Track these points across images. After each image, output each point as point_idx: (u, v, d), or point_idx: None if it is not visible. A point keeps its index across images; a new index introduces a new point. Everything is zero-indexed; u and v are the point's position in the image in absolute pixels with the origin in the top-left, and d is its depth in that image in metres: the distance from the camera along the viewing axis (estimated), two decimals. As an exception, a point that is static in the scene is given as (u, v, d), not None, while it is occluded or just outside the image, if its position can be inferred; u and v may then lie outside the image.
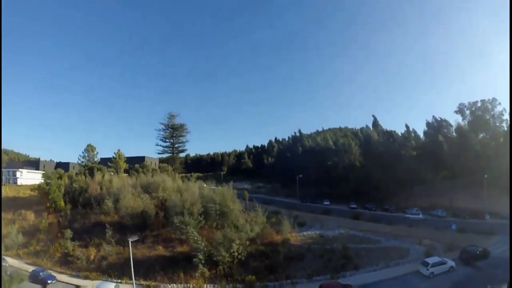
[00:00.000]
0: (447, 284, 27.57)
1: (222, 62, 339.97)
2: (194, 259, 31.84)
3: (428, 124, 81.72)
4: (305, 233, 43.52)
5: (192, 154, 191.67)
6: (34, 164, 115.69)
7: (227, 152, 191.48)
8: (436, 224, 47.55)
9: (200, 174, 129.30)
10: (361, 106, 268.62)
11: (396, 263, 33.58)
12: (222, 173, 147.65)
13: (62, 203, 50.96)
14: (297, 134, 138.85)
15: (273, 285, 29.89)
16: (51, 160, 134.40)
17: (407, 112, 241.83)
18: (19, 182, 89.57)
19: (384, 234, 42.78)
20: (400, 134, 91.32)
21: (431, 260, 30.80)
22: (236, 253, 32.51)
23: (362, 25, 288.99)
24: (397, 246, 38.36)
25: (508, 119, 64.48)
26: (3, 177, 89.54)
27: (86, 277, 32.65)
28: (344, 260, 34.20)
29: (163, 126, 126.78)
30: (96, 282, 30.48)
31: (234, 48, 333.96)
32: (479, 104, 68.35)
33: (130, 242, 26.34)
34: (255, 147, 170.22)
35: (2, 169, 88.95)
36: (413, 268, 31.44)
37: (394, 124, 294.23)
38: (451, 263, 30.77)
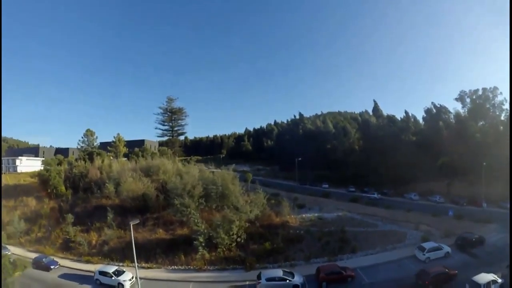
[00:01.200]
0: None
1: (223, 47, 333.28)
2: (195, 242, 32.21)
3: (427, 110, 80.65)
4: (304, 215, 43.78)
5: (191, 137, 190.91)
6: (33, 150, 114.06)
7: (227, 135, 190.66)
8: (433, 210, 47.78)
9: (200, 157, 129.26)
10: (361, 91, 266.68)
11: (393, 247, 34.07)
12: (221, 156, 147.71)
13: (63, 189, 50.97)
14: (297, 117, 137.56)
15: (272, 267, 30.43)
16: (50, 146, 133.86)
17: (406, 99, 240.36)
18: (19, 169, 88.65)
19: (381, 218, 43.19)
20: (399, 119, 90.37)
21: (427, 245, 31.25)
22: (235, 236, 32.97)
23: (366, 14, 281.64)
24: (394, 230, 38.78)
25: (508, 109, 63.68)
26: (3, 166, 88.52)
27: (88, 262, 33.20)
28: (342, 243, 34.70)
29: (162, 110, 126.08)
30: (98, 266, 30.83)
31: (234, 33, 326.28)
32: (480, 93, 67.19)
33: (131, 225, 26.27)
34: (255, 130, 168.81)
35: (2, 158, 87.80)
36: (409, 253, 31.91)
37: (394, 111, 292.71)
38: (447, 248, 31.26)
